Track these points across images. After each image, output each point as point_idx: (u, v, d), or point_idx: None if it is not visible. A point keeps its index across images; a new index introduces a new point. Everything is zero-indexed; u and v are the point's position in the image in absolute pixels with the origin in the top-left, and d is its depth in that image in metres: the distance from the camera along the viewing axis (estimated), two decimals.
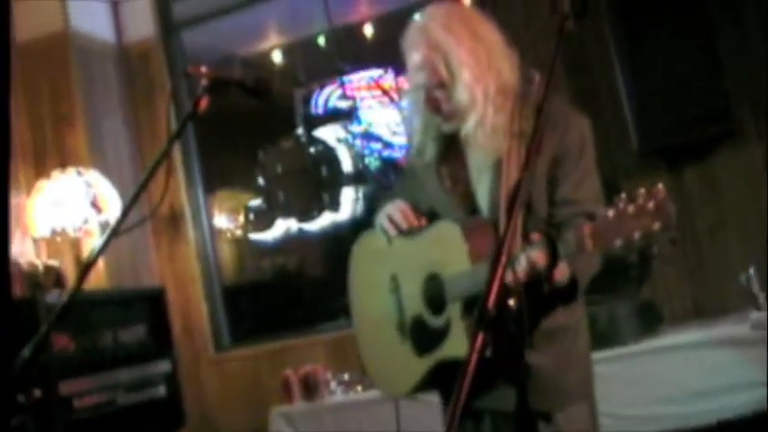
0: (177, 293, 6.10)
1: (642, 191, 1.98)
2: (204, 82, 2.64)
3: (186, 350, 6.04)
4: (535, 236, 2.42)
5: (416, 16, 2.83)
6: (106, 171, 5.68)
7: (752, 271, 4.48)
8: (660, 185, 2.01)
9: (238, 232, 6.92)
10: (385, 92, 6.38)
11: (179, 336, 5.94)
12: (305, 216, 6.46)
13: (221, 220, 6.77)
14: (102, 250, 2.65)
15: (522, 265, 2.38)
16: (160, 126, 6.16)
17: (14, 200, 5.59)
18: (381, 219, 2.97)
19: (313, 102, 6.66)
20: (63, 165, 5.64)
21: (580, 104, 5.17)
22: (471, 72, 2.69)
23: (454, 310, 2.71)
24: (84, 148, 5.89)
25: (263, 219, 6.61)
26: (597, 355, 4.36)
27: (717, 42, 4.89)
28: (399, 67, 6.66)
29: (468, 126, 2.72)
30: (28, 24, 5.97)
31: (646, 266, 4.85)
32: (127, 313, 5.27)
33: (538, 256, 2.38)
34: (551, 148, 2.68)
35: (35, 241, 5.63)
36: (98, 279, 5.69)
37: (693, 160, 5.12)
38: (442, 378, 2.82)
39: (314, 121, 6.62)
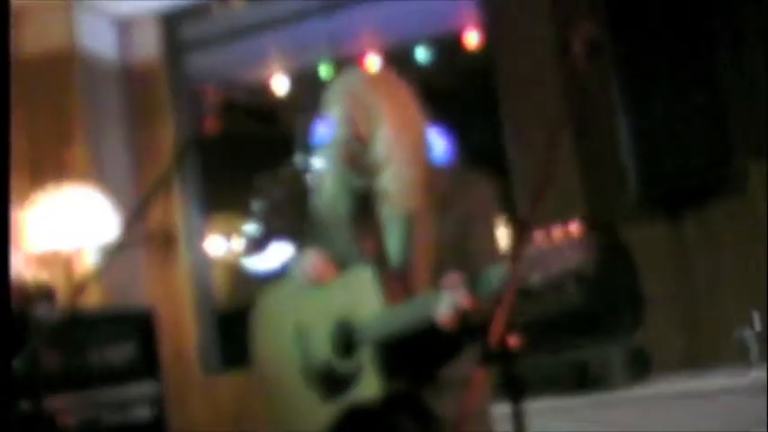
0: (168, 315, 6.05)
1: (559, 228, 2.01)
2: (214, 104, 2.65)
3: (175, 372, 5.98)
4: (451, 278, 2.55)
5: (340, 76, 3.06)
6: (104, 189, 5.65)
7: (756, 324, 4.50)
8: (576, 222, 2.11)
9: (232, 257, 6.91)
10: None
11: (168, 358, 5.89)
12: (300, 242, 6.40)
13: (215, 244, 6.75)
14: (100, 270, 2.64)
15: (445, 308, 2.52)
16: (160, 146, 6.16)
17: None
18: (297, 268, 3.04)
19: (313, 130, 6.65)
20: (60, 181, 5.62)
21: (579, 148, 5.26)
22: (391, 128, 2.83)
23: (366, 354, 2.79)
24: (83, 166, 5.88)
25: (258, 244, 6.58)
26: (586, 400, 4.42)
27: (722, 90, 4.90)
28: None
29: (384, 180, 2.85)
30: (34, 39, 6.00)
31: (639, 313, 4.85)
32: (116, 332, 5.25)
33: (461, 297, 2.50)
34: (459, 206, 2.85)
35: (27, 256, 5.60)
36: (89, 297, 5.66)
37: (693, 209, 5.11)
38: (348, 424, 2.88)
39: (313, 149, 6.58)
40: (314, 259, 3.00)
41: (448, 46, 6.94)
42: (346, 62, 6.79)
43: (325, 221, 3.05)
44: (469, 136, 6.47)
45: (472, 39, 6.44)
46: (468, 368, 2.83)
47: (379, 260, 2.92)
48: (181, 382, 6.05)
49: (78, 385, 4.86)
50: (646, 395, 4.45)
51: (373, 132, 2.85)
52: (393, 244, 2.92)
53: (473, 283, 2.50)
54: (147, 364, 5.35)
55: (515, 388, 1.87)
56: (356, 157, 2.89)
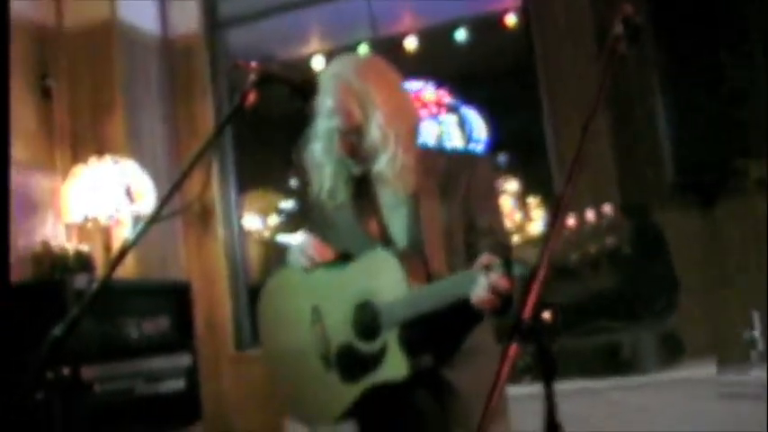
0: (203, 289, 6.11)
1: (593, 209, 2.03)
2: (253, 76, 2.68)
3: (208, 346, 6.05)
4: (485, 258, 2.57)
5: (330, 65, 3.06)
6: (142, 162, 5.70)
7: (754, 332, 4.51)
8: (611, 204, 2.12)
9: (267, 233, 6.95)
10: (425, 104, 6.42)
11: (201, 331, 5.96)
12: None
13: (252, 220, 6.80)
14: (137, 240, 2.67)
15: (481, 289, 2.54)
16: (198, 121, 6.21)
17: (49, 184, 5.65)
18: (295, 255, 3.09)
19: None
20: (100, 152, 5.67)
21: (617, 133, 5.26)
22: (384, 114, 2.89)
23: (391, 335, 2.82)
24: (122, 138, 5.92)
25: (294, 221, 6.64)
26: (616, 383, 4.43)
27: (759, 80, 4.88)
28: (440, 81, 6.74)
29: (380, 165, 2.91)
30: (75, 12, 6.04)
31: (672, 298, 4.85)
32: (152, 304, 5.30)
33: (498, 279, 2.51)
34: (463, 184, 2.93)
35: (67, 226, 5.66)
36: (126, 269, 5.71)
37: (727, 196, 5.10)
38: (369, 405, 2.93)
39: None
40: (311, 244, 3.06)
41: (487, 27, 6.95)
42: (385, 42, 6.82)
43: (325, 208, 3.10)
44: (508, 117, 6.50)
45: (511, 20, 6.44)
46: (479, 338, 2.92)
47: (384, 241, 2.98)
48: (214, 355, 6.11)
49: (114, 355, 4.90)
50: (676, 379, 4.45)
51: (367, 119, 2.90)
52: (397, 226, 2.99)
53: (507, 265, 2.50)
54: (182, 336, 5.41)
55: (548, 365, 1.87)
56: (352, 145, 2.94)
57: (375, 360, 2.86)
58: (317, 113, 3.02)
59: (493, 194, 3.08)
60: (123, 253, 2.67)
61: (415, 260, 2.87)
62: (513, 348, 1.79)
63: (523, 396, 4.43)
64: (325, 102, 2.96)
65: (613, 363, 4.52)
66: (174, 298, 5.46)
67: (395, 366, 2.81)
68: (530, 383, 4.60)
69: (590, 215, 2.09)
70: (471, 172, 2.98)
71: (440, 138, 6.33)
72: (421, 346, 2.84)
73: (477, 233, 2.89)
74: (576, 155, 2.09)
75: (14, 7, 5.42)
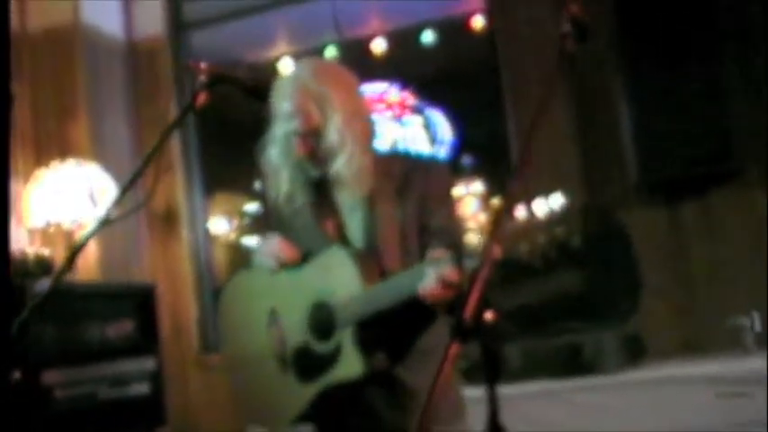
0: (168, 292, 6.08)
1: (543, 201, 2.04)
2: (204, 77, 2.68)
3: (173, 349, 6.02)
4: (437, 252, 2.65)
5: (289, 71, 3.15)
6: (106, 165, 5.67)
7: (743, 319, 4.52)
8: (560, 195, 2.09)
9: (233, 236, 6.93)
10: (389, 106, 6.42)
11: (167, 334, 5.93)
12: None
13: (217, 223, 6.78)
14: (90, 237, 2.66)
15: (430, 282, 2.58)
16: (162, 123, 6.16)
17: (12, 188, 5.60)
18: (261, 255, 3.10)
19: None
20: (63, 156, 5.64)
21: (581, 133, 5.27)
22: (341, 117, 2.91)
23: (345, 334, 2.84)
24: (86, 141, 5.90)
25: (258, 224, 6.62)
26: (579, 384, 4.43)
27: (723, 79, 4.90)
28: (405, 83, 6.73)
29: (338, 166, 2.93)
30: (38, 14, 6.02)
31: (635, 299, 4.86)
32: (115, 308, 5.25)
33: (448, 270, 2.55)
34: (419, 187, 2.96)
35: (29, 230, 5.63)
36: (90, 272, 5.70)
37: (692, 197, 5.12)
38: (326, 407, 2.95)
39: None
40: (277, 243, 3.06)
41: (455, 29, 6.94)
42: (353, 44, 6.81)
43: (283, 212, 3.10)
44: (474, 119, 6.50)
45: (479, 23, 6.43)
46: (435, 338, 2.91)
47: (342, 242, 3.00)
48: (179, 359, 6.08)
49: (76, 360, 4.86)
50: (638, 380, 4.46)
51: (325, 121, 2.91)
52: (354, 227, 3.01)
53: (457, 257, 2.53)
54: (146, 339, 5.36)
55: (491, 365, 1.87)
56: (311, 148, 2.94)
57: (330, 360, 2.87)
58: (273, 118, 3.03)
59: (448, 197, 3.10)
60: (74, 255, 2.66)
61: (369, 260, 2.90)
62: (455, 347, 1.78)
63: (482, 397, 4.48)
64: (282, 105, 2.97)
65: (575, 364, 4.53)
66: (138, 301, 5.41)
67: (349, 365, 2.82)
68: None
69: (539, 206, 2.08)
70: (427, 175, 3.01)
71: (404, 139, 6.33)
72: (375, 344, 2.85)
73: (431, 234, 2.90)
74: (523, 151, 2.08)
75: None
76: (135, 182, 2.65)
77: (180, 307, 6.17)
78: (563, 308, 4.76)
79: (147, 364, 5.29)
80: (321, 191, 3.05)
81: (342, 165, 2.92)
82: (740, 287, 4.93)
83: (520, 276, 4.92)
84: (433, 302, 2.63)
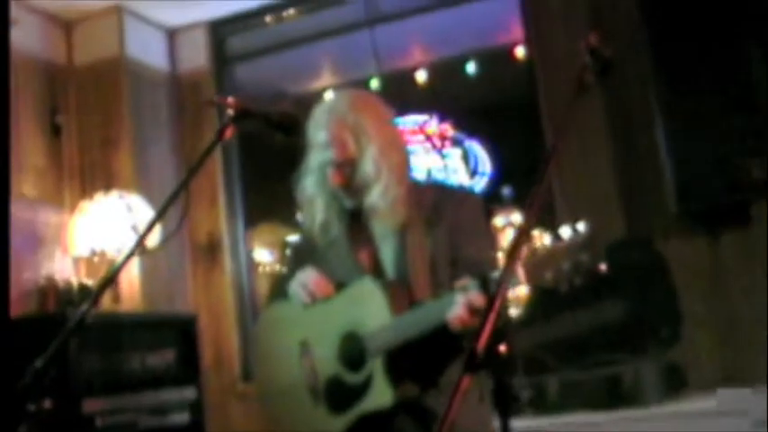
0: (210, 322, 6.14)
1: (566, 227, 2.06)
2: (230, 112, 2.71)
3: (215, 380, 6.06)
4: (463, 280, 2.64)
5: (325, 100, 3.13)
6: (149, 197, 5.75)
7: None
8: (583, 221, 2.19)
9: (276, 266, 6.96)
10: (428, 137, 6.45)
11: (209, 365, 5.98)
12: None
13: (260, 254, 6.82)
14: (120, 269, 2.70)
15: (457, 308, 2.59)
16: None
17: (57, 218, 5.71)
18: (295, 287, 3.08)
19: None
20: (108, 187, 5.74)
21: (620, 161, 5.26)
22: (377, 147, 2.94)
23: (375, 365, 2.84)
24: (130, 173, 5.99)
25: (296, 254, 6.65)
26: (618, 415, 4.40)
27: (763, 105, 4.87)
28: (446, 114, 6.75)
29: (373, 197, 2.95)
30: (84, 48, 6.14)
31: (676, 330, 4.82)
32: (158, 337, 5.30)
33: (475, 296, 2.56)
34: (449, 218, 2.97)
35: (74, 260, 5.71)
36: (134, 302, 5.76)
37: (732, 225, 5.07)
38: None
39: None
40: (312, 276, 3.06)
41: (497, 60, 6.96)
42: (396, 76, 6.85)
43: (317, 241, 3.12)
44: (514, 150, 6.50)
45: (521, 52, 6.44)
46: None
47: (376, 272, 3.00)
48: (221, 389, 6.11)
49: (118, 388, 4.91)
50: (678, 412, 4.41)
51: (361, 151, 2.94)
52: (388, 256, 3.02)
53: (483, 284, 2.55)
54: (188, 369, 5.41)
55: (503, 397, 1.87)
56: (346, 178, 2.97)
57: (361, 390, 2.87)
58: (309, 148, 3.07)
59: (479, 228, 3.08)
60: (105, 284, 2.71)
61: (399, 290, 2.90)
62: (466, 380, 1.78)
63: (524, 429, 4.47)
64: (318, 135, 3.00)
65: (615, 395, 4.49)
66: (180, 331, 5.46)
67: (380, 395, 2.82)
68: (532, 418, 4.59)
69: (565, 233, 2.11)
70: (457, 205, 3.02)
71: (443, 171, 6.34)
72: (406, 374, 2.85)
73: (461, 265, 2.89)
74: (540, 181, 2.09)
75: (25, 44, 5.52)
76: (163, 214, 2.66)
77: (222, 337, 6.20)
78: (602, 339, 4.74)
79: (188, 393, 5.32)
80: (356, 221, 3.06)
81: (377, 195, 2.94)
82: None
83: (559, 308, 4.91)
84: (461, 330, 2.63)
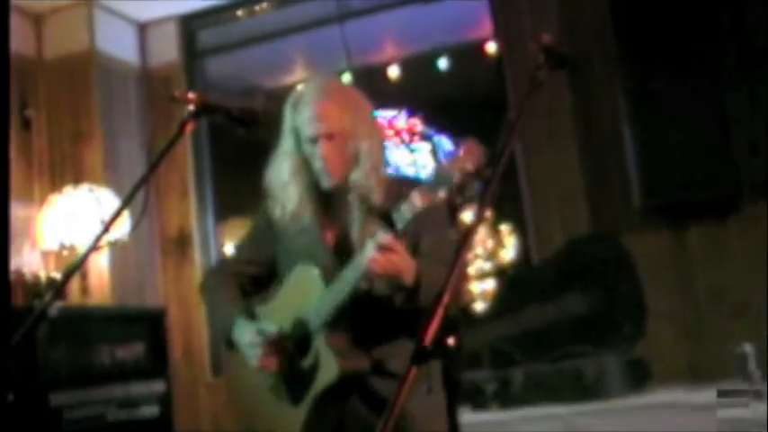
0: (180, 316, 6.15)
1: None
2: (191, 107, 2.72)
3: (184, 373, 6.08)
4: (368, 226, 2.78)
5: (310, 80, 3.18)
6: (119, 190, 5.74)
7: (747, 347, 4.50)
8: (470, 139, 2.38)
9: None
10: (397, 132, 6.47)
11: (178, 358, 5.99)
12: None
13: (230, 248, 6.82)
14: (82, 262, 2.71)
15: (370, 252, 2.66)
16: (176, 150, 6.21)
17: (26, 212, 5.70)
18: (250, 353, 3.02)
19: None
20: (77, 181, 5.73)
21: (586, 158, 5.30)
22: (365, 125, 2.99)
23: (319, 342, 2.87)
24: (100, 167, 5.99)
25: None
26: (582, 408, 4.44)
27: (729, 104, 4.91)
28: (417, 109, 6.78)
29: (359, 173, 2.97)
30: (54, 42, 6.13)
31: (641, 324, 4.86)
32: (127, 330, 5.29)
33: (382, 236, 2.64)
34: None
35: (43, 254, 5.71)
36: (103, 295, 5.77)
37: (697, 221, 5.13)
38: (322, 419, 2.93)
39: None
40: (257, 346, 3.02)
41: (469, 55, 6.99)
42: (369, 70, 6.87)
43: (286, 228, 3.10)
44: (482, 144, 6.52)
45: (492, 48, 6.47)
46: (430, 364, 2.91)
47: (340, 250, 2.99)
48: (190, 381, 6.13)
49: (87, 381, 4.91)
50: (640, 405, 4.45)
51: (350, 126, 2.96)
52: (356, 240, 2.97)
53: (389, 222, 2.63)
54: (157, 362, 5.40)
55: (452, 389, 1.91)
56: (334, 150, 2.97)
57: (313, 371, 2.89)
58: (284, 133, 3.07)
59: (440, 223, 3.05)
60: (70, 274, 2.72)
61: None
62: (413, 371, 1.81)
63: (489, 422, 4.51)
64: (303, 112, 3.00)
65: (579, 388, 4.53)
66: (150, 324, 5.45)
67: (327, 370, 2.84)
68: (497, 411, 4.62)
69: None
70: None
71: (413, 165, 6.37)
72: (349, 345, 2.88)
73: (422, 255, 2.90)
74: (492, 178, 2.12)
75: None
76: (126, 206, 2.68)
77: (191, 330, 6.22)
78: (567, 332, 4.78)
79: (157, 386, 5.32)
80: (327, 203, 3.06)
81: (363, 172, 2.97)
82: (745, 313, 4.93)
83: (525, 302, 4.95)
84: (380, 273, 2.70)
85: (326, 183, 3.02)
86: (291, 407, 2.97)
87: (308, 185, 3.04)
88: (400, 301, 2.79)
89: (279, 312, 3.02)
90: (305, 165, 3.03)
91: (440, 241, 3.00)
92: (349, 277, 2.79)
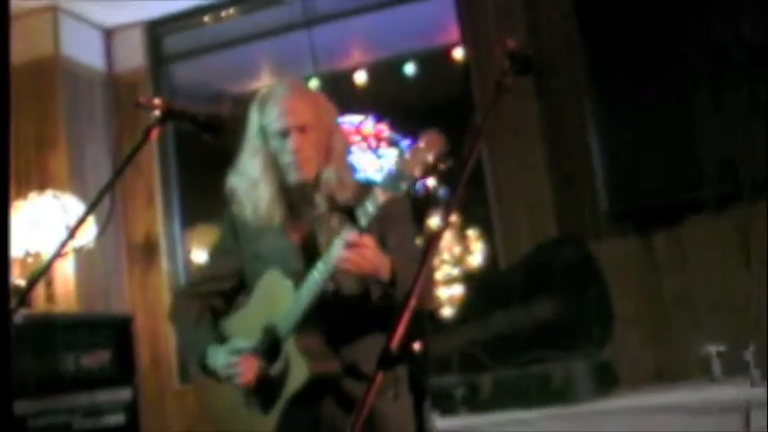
0: (147, 323, 6.12)
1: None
2: (156, 113, 2.71)
3: (151, 380, 6.05)
4: (332, 222, 2.79)
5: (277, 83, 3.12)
6: (85, 197, 5.72)
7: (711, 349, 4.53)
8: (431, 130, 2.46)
9: None
10: (364, 138, 6.47)
11: (145, 365, 5.96)
12: None
13: (197, 254, 6.80)
14: (46, 269, 2.68)
15: (337, 250, 2.66)
16: (142, 156, 6.18)
17: None
18: (230, 374, 3.00)
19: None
20: (42, 187, 5.70)
21: (553, 163, 5.32)
22: (334, 124, 3.03)
23: (289, 346, 2.85)
24: (65, 173, 5.96)
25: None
26: (550, 412, 4.45)
27: (694, 110, 4.94)
28: (380, 114, 6.78)
29: (331, 171, 2.98)
30: (19, 46, 6.03)
31: (608, 328, 4.88)
32: (92, 338, 5.26)
33: (347, 234, 2.65)
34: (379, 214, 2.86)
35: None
36: (69, 302, 5.73)
37: (663, 225, 5.15)
38: (294, 424, 2.91)
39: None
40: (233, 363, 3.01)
41: (435, 61, 6.99)
42: (335, 76, 6.86)
43: (250, 228, 3.08)
44: (449, 151, 6.53)
45: (459, 54, 6.48)
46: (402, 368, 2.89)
47: (306, 250, 2.98)
48: (157, 390, 6.10)
49: (51, 389, 4.88)
50: (609, 409, 4.46)
51: (320, 121, 2.98)
52: (322, 240, 2.97)
53: (354, 219, 2.63)
54: (123, 370, 5.36)
55: (418, 394, 1.90)
56: (304, 143, 2.96)
57: (283, 377, 2.87)
58: (251, 134, 3.06)
59: (404, 220, 3.07)
60: (34, 282, 2.70)
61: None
62: (380, 375, 1.81)
63: (457, 427, 4.51)
64: (271, 111, 2.99)
65: (547, 393, 4.53)
66: (116, 331, 5.41)
67: (298, 373, 2.82)
68: (466, 416, 4.62)
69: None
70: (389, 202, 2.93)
71: (380, 171, 6.36)
72: (319, 347, 2.86)
73: (386, 250, 2.87)
74: (456, 190, 2.11)
75: None
76: (91, 212, 2.66)
77: (158, 338, 6.18)
78: (535, 337, 4.79)
79: (123, 394, 5.28)
80: (290, 202, 3.04)
81: (332, 170, 2.97)
82: (711, 316, 4.96)
83: (493, 307, 4.96)
84: (354, 271, 2.70)
85: (296, 177, 2.99)
86: (262, 414, 2.95)
87: (276, 181, 3.02)
88: (377, 297, 2.79)
89: (248, 321, 3.01)
90: (275, 162, 3.02)
91: (404, 237, 3.02)
92: (317, 278, 2.77)
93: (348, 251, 2.64)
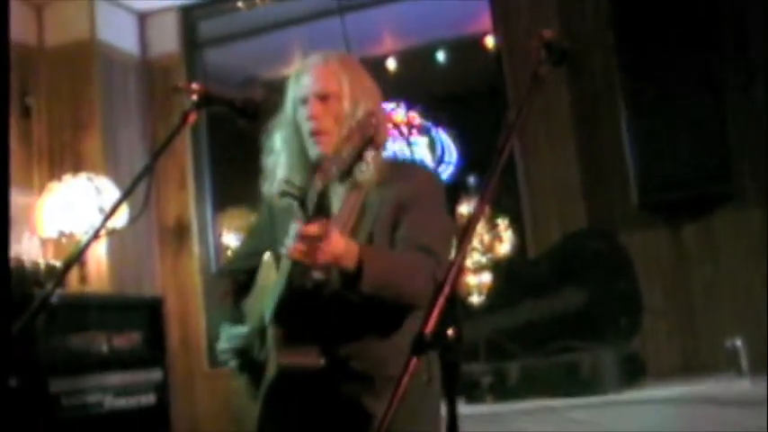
0: (178, 305, 6.17)
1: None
2: (193, 97, 2.73)
3: (181, 362, 6.10)
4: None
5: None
6: (118, 179, 5.77)
7: (738, 342, 4.54)
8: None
9: None
10: (395, 125, 6.49)
11: (175, 347, 6.01)
12: None
13: (228, 238, 6.85)
14: (82, 252, 2.72)
15: (289, 243, 2.54)
16: (175, 140, 6.23)
17: (26, 200, 5.70)
18: (224, 358, 2.99)
19: None
20: (76, 170, 5.76)
21: (583, 155, 5.32)
22: (368, 100, 2.85)
23: (269, 333, 2.80)
24: (99, 156, 6.01)
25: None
26: (577, 402, 4.46)
27: (725, 103, 4.94)
28: (414, 102, 6.80)
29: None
30: (55, 30, 6.14)
31: (636, 319, 4.89)
32: (124, 319, 5.33)
33: (302, 227, 2.50)
34: (395, 196, 2.81)
35: (42, 241, 5.72)
36: (101, 283, 5.79)
37: (692, 217, 5.16)
38: (273, 416, 2.86)
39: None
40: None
41: (467, 48, 7.00)
42: (367, 62, 6.86)
43: (274, 208, 3.03)
44: (481, 139, 6.56)
45: (490, 42, 6.48)
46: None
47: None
48: (187, 371, 6.15)
49: (84, 369, 4.94)
50: (636, 399, 4.47)
51: (342, 89, 2.83)
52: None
53: (301, 206, 2.55)
54: (154, 351, 5.44)
55: (451, 381, 1.92)
56: (321, 113, 2.84)
57: (264, 366, 2.83)
58: (284, 105, 2.98)
59: (423, 206, 2.85)
60: (70, 264, 2.74)
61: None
62: (414, 362, 1.83)
63: (483, 415, 4.53)
64: (304, 79, 2.90)
65: (572, 382, 4.54)
66: (147, 313, 5.49)
67: (272, 364, 2.76)
68: (492, 403, 4.64)
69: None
70: (406, 182, 2.87)
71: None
72: (298, 337, 2.77)
73: (396, 243, 2.80)
74: (490, 177, 2.13)
75: None
76: (128, 196, 2.69)
77: (188, 320, 6.23)
78: (563, 327, 4.80)
79: (154, 375, 5.35)
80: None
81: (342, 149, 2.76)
82: (739, 308, 4.96)
83: (521, 296, 4.97)
84: (303, 260, 2.55)
85: (314, 150, 2.87)
86: (255, 403, 2.89)
87: (298, 151, 2.92)
88: (340, 287, 2.65)
89: (253, 306, 2.97)
90: (297, 132, 2.92)
91: (418, 224, 2.82)
92: (284, 269, 2.69)
93: (299, 242, 2.52)
